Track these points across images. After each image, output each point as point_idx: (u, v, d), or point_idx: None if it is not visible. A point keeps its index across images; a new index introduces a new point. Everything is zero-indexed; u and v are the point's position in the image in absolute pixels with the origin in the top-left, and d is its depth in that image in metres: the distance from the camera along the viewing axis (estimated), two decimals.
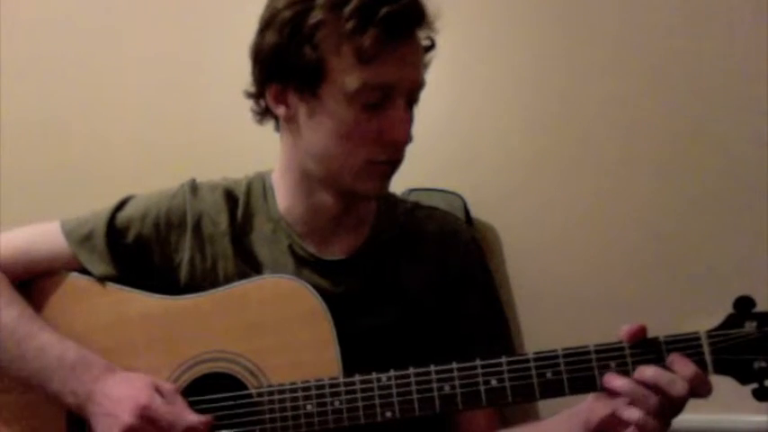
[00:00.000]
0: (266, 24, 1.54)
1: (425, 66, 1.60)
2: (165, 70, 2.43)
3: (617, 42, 2.16)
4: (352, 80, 1.47)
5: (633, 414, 1.35)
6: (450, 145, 2.25)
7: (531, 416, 1.90)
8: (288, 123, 1.60)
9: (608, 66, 2.17)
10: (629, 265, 2.18)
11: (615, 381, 1.38)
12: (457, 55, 2.18)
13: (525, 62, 2.24)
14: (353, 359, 1.53)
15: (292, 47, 1.49)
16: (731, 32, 2.07)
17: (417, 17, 1.51)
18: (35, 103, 2.51)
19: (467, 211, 2.21)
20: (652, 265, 2.16)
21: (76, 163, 2.49)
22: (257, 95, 1.62)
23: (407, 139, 1.55)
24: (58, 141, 2.51)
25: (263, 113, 1.63)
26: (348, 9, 1.44)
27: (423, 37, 1.56)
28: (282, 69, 1.53)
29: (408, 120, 1.54)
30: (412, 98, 1.56)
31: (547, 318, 2.21)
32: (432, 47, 1.60)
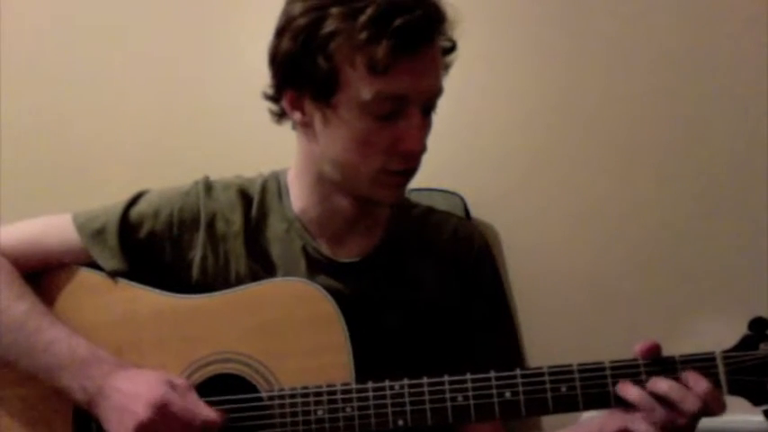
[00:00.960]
0: (282, 30, 1.53)
1: (446, 68, 1.59)
2: (168, 68, 2.42)
3: (617, 42, 2.17)
4: (365, 91, 1.46)
5: (642, 427, 1.36)
6: (450, 145, 2.25)
7: (535, 426, 1.92)
8: (304, 128, 1.59)
9: (608, 66, 2.18)
10: (629, 265, 2.19)
11: (629, 390, 1.38)
12: (457, 55, 2.18)
13: (525, 62, 2.24)
14: (365, 361, 1.53)
15: (306, 56, 1.48)
16: (731, 32, 2.08)
17: (433, 27, 1.49)
18: (35, 103, 2.49)
19: (467, 211, 2.21)
20: (651, 264, 2.18)
21: (77, 163, 2.48)
22: (275, 98, 1.61)
23: (422, 149, 1.55)
24: (58, 141, 2.49)
25: (281, 115, 1.62)
26: (362, 19, 1.42)
27: (442, 40, 1.54)
28: (297, 77, 1.52)
29: (423, 129, 1.54)
30: (429, 106, 1.55)
31: (546, 317, 2.22)
32: (452, 49, 1.58)
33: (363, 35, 1.42)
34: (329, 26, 1.45)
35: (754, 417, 1.99)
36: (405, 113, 1.49)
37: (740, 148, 2.10)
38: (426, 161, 1.97)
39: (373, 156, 1.51)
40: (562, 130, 2.22)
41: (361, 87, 1.46)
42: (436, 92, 1.55)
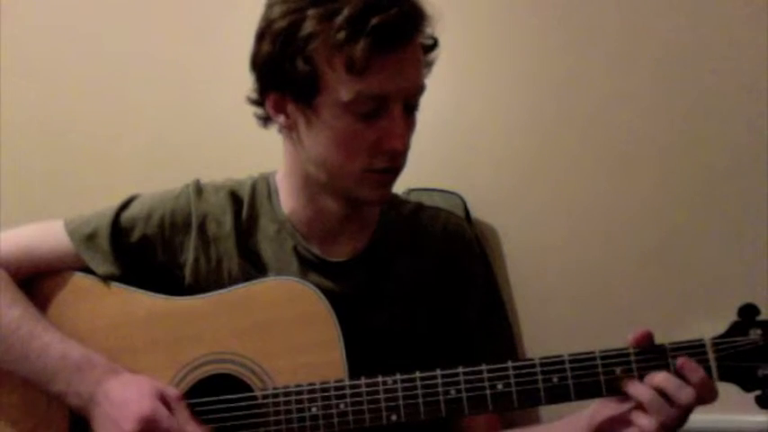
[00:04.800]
0: (262, 34, 1.54)
1: (428, 66, 1.59)
2: (166, 70, 2.42)
3: (617, 42, 2.16)
4: (345, 91, 1.46)
5: (644, 421, 1.36)
6: (450, 145, 2.25)
7: (532, 416, 1.91)
8: (288, 131, 1.60)
9: (608, 66, 2.17)
10: (629, 266, 2.18)
11: (637, 388, 1.38)
12: (457, 55, 2.17)
13: (525, 62, 2.24)
14: (358, 360, 1.53)
15: (286, 59, 1.49)
16: (731, 32, 2.07)
17: (411, 25, 1.49)
18: (35, 104, 2.51)
19: (467, 211, 2.21)
20: (652, 265, 2.17)
21: (77, 163, 2.49)
22: (259, 103, 1.62)
23: (405, 147, 1.54)
24: (58, 142, 2.50)
25: (267, 119, 1.63)
26: (338, 20, 1.43)
27: (423, 37, 1.55)
28: (278, 80, 1.53)
29: (405, 128, 1.53)
30: (410, 104, 1.55)
31: (546, 318, 2.21)
32: (434, 46, 1.58)
33: (341, 35, 1.43)
34: (307, 28, 1.46)
35: (754, 417, 1.99)
36: (386, 112, 1.50)
37: (740, 148, 2.09)
38: (426, 161, 1.97)
39: (357, 156, 1.52)
40: (562, 131, 2.22)
41: (340, 88, 1.47)
42: (417, 89, 1.54)
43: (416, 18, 1.50)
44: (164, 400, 1.53)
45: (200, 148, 2.39)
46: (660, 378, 1.37)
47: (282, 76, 1.51)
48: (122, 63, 2.45)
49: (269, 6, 1.54)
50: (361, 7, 1.42)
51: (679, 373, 1.37)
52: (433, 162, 2.22)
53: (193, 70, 2.41)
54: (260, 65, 1.55)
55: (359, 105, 1.47)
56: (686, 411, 1.36)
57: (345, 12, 1.43)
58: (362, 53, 1.42)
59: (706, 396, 1.36)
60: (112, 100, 2.46)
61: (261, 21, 1.55)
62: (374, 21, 1.41)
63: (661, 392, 1.36)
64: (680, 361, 1.37)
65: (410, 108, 1.55)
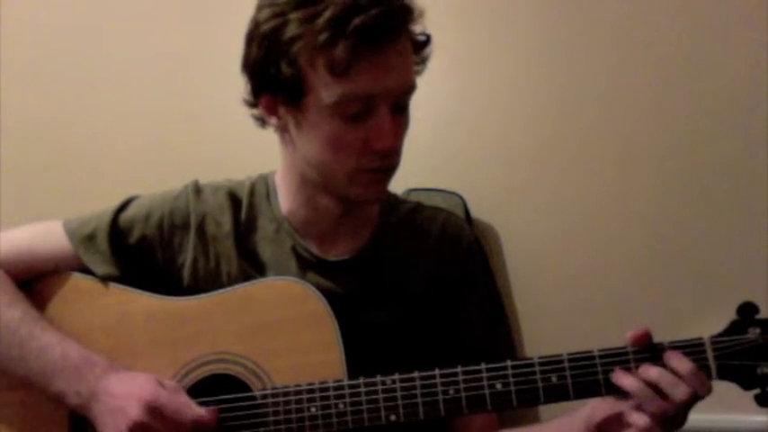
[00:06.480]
0: (250, 36, 1.54)
1: (422, 62, 1.58)
2: (166, 70, 2.43)
3: (617, 42, 2.16)
4: (329, 93, 1.46)
5: (638, 419, 1.35)
6: (450, 145, 2.25)
7: (530, 415, 1.91)
8: (282, 132, 1.61)
9: (608, 66, 2.17)
10: (630, 266, 2.18)
11: (623, 378, 1.38)
12: (457, 55, 2.18)
13: (525, 62, 2.24)
14: (357, 359, 1.53)
15: (272, 62, 1.49)
16: (731, 32, 2.07)
17: (395, 24, 1.48)
18: (35, 103, 2.51)
19: (467, 211, 2.21)
20: (652, 265, 2.16)
21: (76, 164, 2.49)
22: (253, 104, 1.62)
23: (394, 146, 1.53)
24: (58, 141, 2.50)
25: (263, 119, 1.63)
26: (320, 22, 1.43)
27: (415, 33, 1.54)
28: (268, 83, 1.54)
29: (394, 127, 1.51)
30: (399, 103, 1.53)
31: (546, 318, 2.21)
32: (426, 43, 1.58)
33: (322, 38, 1.43)
34: (290, 31, 1.46)
35: (754, 417, 1.99)
36: (374, 113, 1.49)
37: (740, 148, 2.08)
38: (426, 161, 1.96)
39: (347, 156, 1.52)
40: (562, 130, 2.22)
41: (324, 90, 1.46)
42: (405, 89, 1.53)
43: (401, 17, 1.49)
44: (163, 387, 1.54)
45: (199, 148, 2.39)
46: (653, 372, 1.36)
47: (270, 78, 1.51)
48: (121, 63, 2.46)
49: (257, 9, 1.54)
50: (343, 9, 1.42)
51: (668, 366, 1.36)
52: (433, 162, 2.22)
53: (193, 71, 2.41)
54: (250, 68, 1.56)
55: (344, 107, 1.47)
56: (683, 408, 1.36)
57: (326, 14, 1.42)
58: (343, 55, 1.42)
59: (698, 388, 1.35)
60: (112, 100, 2.47)
61: (250, 23, 1.55)
62: (355, 22, 1.41)
63: (655, 387, 1.35)
64: (667, 354, 1.37)
65: (400, 108, 1.54)
